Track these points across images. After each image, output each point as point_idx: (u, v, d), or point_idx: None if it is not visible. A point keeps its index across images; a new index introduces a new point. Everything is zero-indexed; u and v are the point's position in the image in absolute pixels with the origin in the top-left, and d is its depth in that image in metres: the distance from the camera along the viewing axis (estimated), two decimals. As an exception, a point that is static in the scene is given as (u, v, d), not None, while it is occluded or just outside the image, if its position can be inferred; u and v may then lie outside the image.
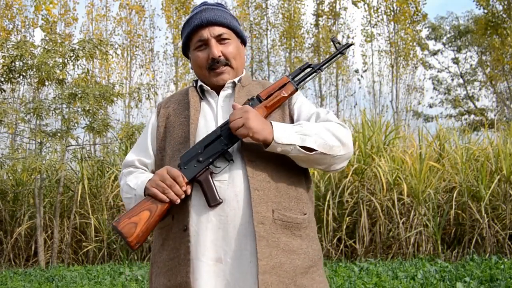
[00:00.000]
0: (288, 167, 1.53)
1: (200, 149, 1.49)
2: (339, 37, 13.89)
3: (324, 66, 1.60)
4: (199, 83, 1.66)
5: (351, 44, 1.66)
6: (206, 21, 1.60)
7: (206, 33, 1.60)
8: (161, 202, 1.45)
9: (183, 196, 1.46)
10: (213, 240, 1.44)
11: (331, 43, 1.68)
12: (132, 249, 1.45)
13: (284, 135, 1.43)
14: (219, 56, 1.59)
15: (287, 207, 1.49)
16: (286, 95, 1.54)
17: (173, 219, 1.51)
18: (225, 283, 1.42)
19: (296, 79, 1.58)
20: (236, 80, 1.64)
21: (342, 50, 1.60)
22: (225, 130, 1.50)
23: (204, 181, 1.46)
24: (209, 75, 1.62)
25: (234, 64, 1.63)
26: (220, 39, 1.61)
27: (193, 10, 1.68)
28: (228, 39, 1.62)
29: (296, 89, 1.57)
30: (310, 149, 1.45)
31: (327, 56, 1.61)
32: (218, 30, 1.60)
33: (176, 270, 1.45)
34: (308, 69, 1.60)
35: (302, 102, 1.64)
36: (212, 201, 1.44)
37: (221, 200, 1.44)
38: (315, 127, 1.48)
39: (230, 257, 1.42)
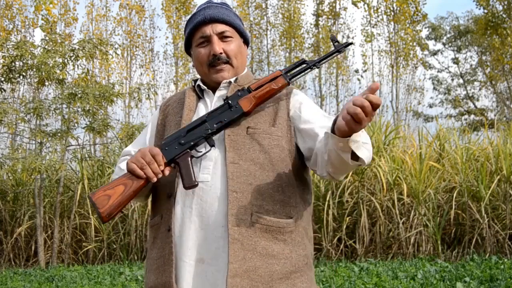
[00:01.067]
0: (275, 170, 1.49)
1: (183, 133, 1.50)
2: (339, 37, 13.87)
3: (320, 63, 1.57)
4: (198, 82, 1.66)
5: (350, 44, 1.60)
6: (209, 17, 1.59)
7: (208, 29, 1.59)
8: (138, 178, 1.44)
9: (160, 175, 1.45)
10: (195, 241, 1.44)
11: (331, 42, 1.64)
12: (102, 220, 1.44)
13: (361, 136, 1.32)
14: (220, 53, 1.58)
15: (270, 210, 1.45)
16: (276, 87, 1.52)
17: (161, 218, 1.51)
18: (206, 284, 1.42)
19: (289, 73, 1.56)
20: (232, 80, 1.63)
21: (339, 49, 1.57)
22: (211, 117, 1.50)
23: (182, 163, 1.46)
24: (209, 72, 1.61)
25: (235, 62, 1.62)
26: (222, 36, 1.60)
27: (197, 8, 1.68)
28: (231, 37, 1.61)
29: (288, 83, 1.54)
30: (357, 158, 1.34)
31: (322, 56, 1.61)
32: (221, 27, 1.60)
33: (162, 269, 1.45)
34: (303, 65, 1.58)
35: (304, 100, 1.59)
36: (187, 182, 1.43)
37: (196, 183, 1.43)
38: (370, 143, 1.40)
39: (211, 258, 1.43)
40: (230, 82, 1.62)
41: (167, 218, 1.47)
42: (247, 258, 1.39)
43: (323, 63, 1.58)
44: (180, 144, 1.48)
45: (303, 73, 1.58)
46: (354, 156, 1.32)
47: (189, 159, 1.46)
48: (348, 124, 1.24)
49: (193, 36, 1.64)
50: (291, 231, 1.47)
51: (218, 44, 1.58)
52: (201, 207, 1.45)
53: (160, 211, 1.52)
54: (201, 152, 1.49)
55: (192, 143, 1.48)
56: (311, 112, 1.56)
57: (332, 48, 1.58)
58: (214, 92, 1.63)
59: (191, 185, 1.43)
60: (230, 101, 1.51)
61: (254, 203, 1.43)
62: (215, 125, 1.49)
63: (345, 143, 1.29)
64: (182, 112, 1.60)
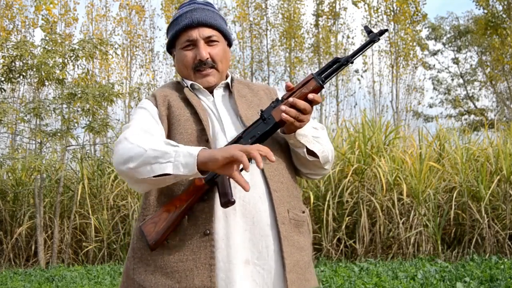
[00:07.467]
0: (290, 168, 1.58)
1: None
2: (339, 37, 13.89)
3: (354, 57, 1.47)
4: (189, 82, 1.63)
5: (385, 30, 1.49)
6: (196, 21, 1.59)
7: (195, 33, 1.59)
8: (197, 191, 1.44)
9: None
10: (240, 242, 1.44)
11: (364, 31, 1.53)
12: (150, 248, 1.44)
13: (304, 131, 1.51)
14: (207, 58, 1.59)
15: (295, 206, 1.54)
16: (307, 91, 1.47)
17: (188, 220, 1.47)
18: (254, 285, 1.43)
19: (323, 75, 1.49)
20: (228, 80, 1.65)
21: (373, 38, 1.45)
22: (247, 133, 1.48)
23: (219, 181, 1.43)
24: (194, 76, 1.61)
25: (220, 67, 1.62)
26: (208, 40, 1.60)
27: (181, 7, 1.66)
28: (217, 41, 1.61)
29: (321, 86, 1.46)
30: (314, 154, 1.53)
31: (356, 49, 1.48)
32: (207, 31, 1.60)
33: (191, 273, 1.42)
34: (337, 64, 1.49)
35: None
36: (223, 200, 1.40)
37: (233, 200, 1.40)
38: (327, 141, 1.58)
39: (257, 258, 1.44)
40: (227, 84, 1.64)
41: (202, 221, 1.44)
42: (292, 253, 1.47)
43: (357, 56, 1.49)
44: None
45: (336, 72, 1.50)
46: (311, 152, 1.51)
47: (227, 177, 1.43)
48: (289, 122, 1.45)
49: (178, 38, 1.63)
50: (304, 223, 1.57)
51: (204, 49, 1.58)
52: (244, 208, 1.46)
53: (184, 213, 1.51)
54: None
55: None
56: None
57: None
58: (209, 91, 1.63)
59: (227, 201, 1.40)
60: (264, 114, 1.49)
61: (287, 200, 1.51)
62: (249, 140, 1.47)
63: (293, 138, 1.50)
64: (189, 109, 1.57)
